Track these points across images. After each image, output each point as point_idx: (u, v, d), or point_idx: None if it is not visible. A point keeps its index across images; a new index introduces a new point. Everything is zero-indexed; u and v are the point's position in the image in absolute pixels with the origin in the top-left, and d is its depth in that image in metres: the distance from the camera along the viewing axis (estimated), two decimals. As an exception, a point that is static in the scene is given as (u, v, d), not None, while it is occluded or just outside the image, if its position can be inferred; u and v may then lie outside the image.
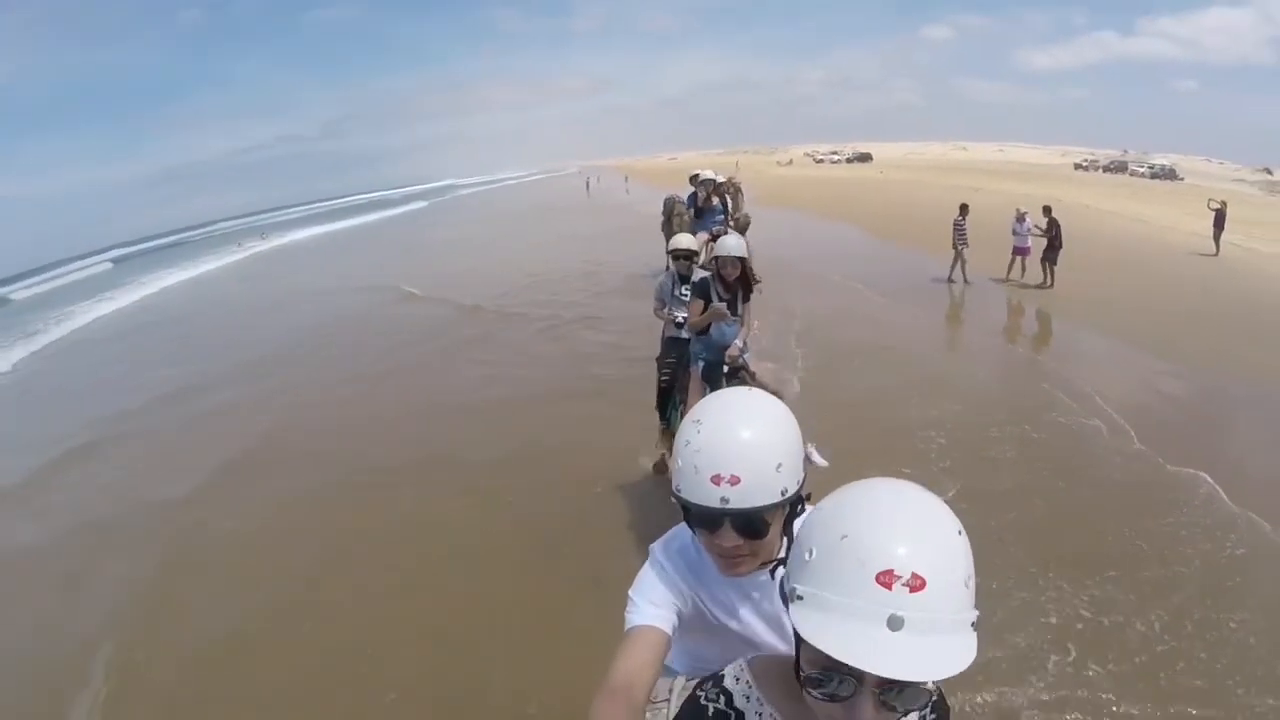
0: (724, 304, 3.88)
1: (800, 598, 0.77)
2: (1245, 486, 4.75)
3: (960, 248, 12.01)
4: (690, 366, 4.12)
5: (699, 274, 4.38)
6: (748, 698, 0.96)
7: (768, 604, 1.24)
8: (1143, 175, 46.28)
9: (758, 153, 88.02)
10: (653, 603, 1.20)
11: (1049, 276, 11.71)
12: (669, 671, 1.38)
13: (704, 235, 8.43)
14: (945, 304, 11.33)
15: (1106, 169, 51.70)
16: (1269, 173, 50.43)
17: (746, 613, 1.25)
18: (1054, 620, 3.56)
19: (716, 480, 1.06)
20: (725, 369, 3.89)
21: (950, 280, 12.21)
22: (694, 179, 10.16)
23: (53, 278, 37.63)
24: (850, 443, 5.09)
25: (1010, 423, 5.97)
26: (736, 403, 1.17)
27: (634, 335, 8.46)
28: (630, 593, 1.23)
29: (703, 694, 0.99)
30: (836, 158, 67.66)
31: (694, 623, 1.25)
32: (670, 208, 11.26)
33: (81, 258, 51.09)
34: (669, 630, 1.19)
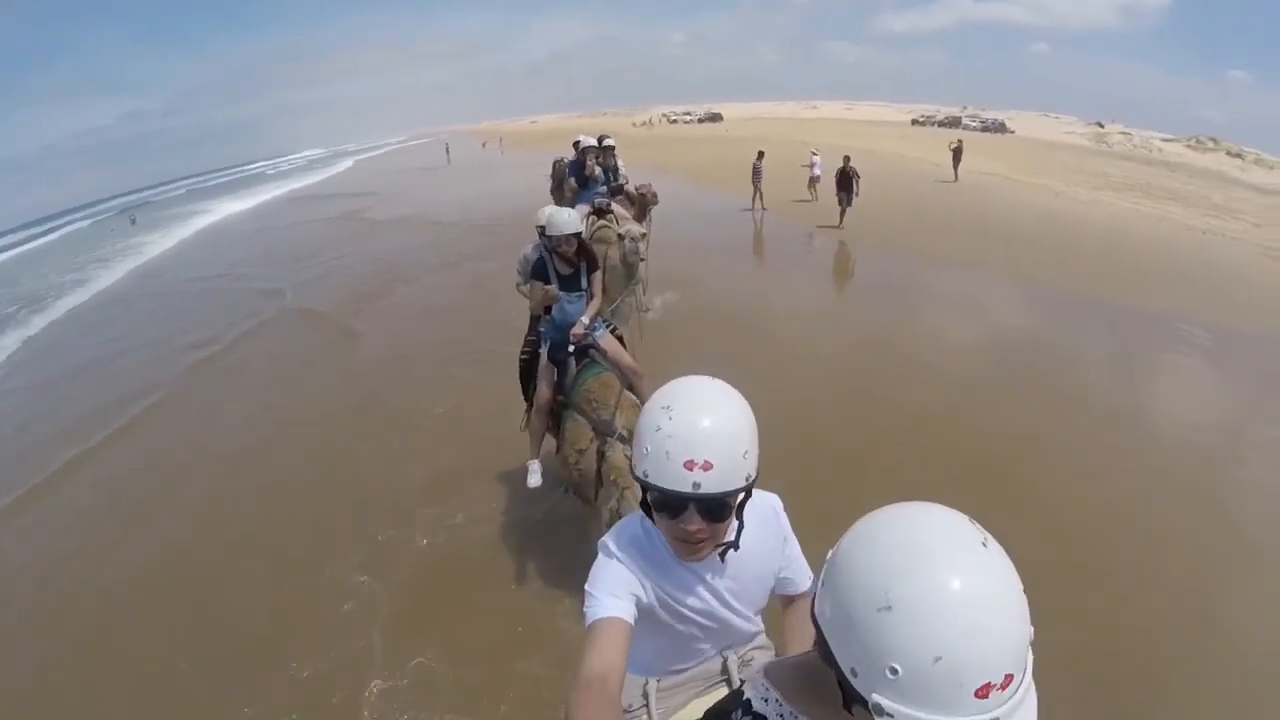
0: (556, 284, 3.82)
1: (890, 715, 0.70)
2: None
3: (758, 185, 14.25)
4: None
5: (535, 253, 4.29)
6: (781, 716, 0.93)
7: (720, 582, 1.28)
8: (974, 129, 48.73)
9: (619, 114, 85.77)
10: (612, 594, 1.17)
11: (841, 218, 12.76)
12: (635, 675, 1.35)
13: (585, 208, 7.47)
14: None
15: (941, 124, 55.07)
16: (1101, 126, 54.63)
17: (704, 593, 1.27)
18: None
19: (690, 466, 1.07)
20: (571, 348, 3.78)
21: (751, 210, 14.44)
22: (576, 145, 8.83)
23: None
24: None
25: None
26: (704, 390, 1.16)
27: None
28: (588, 587, 1.19)
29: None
30: (689, 118, 69.01)
31: (652, 612, 1.23)
32: (561, 172, 10.35)
33: None
34: (630, 620, 1.15)
